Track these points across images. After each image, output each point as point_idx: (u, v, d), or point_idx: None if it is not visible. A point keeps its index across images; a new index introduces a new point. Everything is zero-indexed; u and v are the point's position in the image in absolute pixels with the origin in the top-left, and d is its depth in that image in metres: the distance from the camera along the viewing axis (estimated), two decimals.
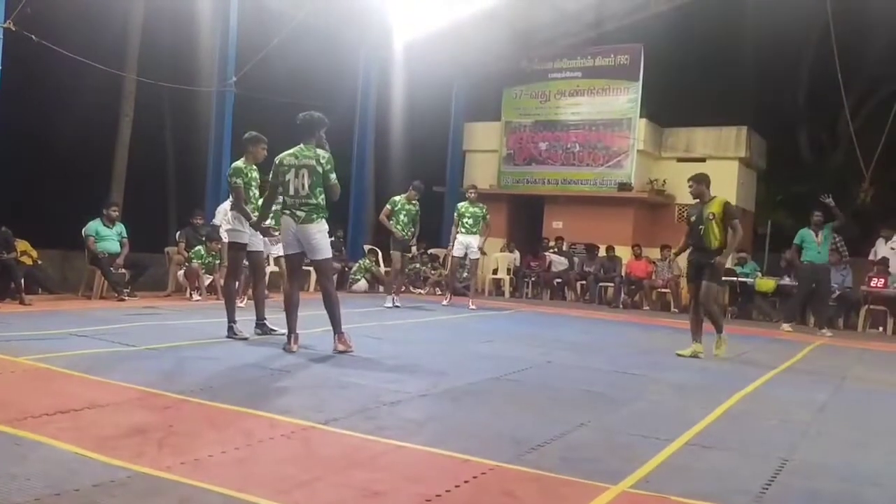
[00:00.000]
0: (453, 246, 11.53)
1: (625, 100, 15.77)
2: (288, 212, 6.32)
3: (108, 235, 10.04)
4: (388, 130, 16.13)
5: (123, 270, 10.16)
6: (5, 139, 9.38)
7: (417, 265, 14.45)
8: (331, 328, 6.40)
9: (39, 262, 10.18)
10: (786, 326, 11.24)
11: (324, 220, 6.37)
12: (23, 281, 8.98)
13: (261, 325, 7.18)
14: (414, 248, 11.91)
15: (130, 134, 12.83)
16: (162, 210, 16.60)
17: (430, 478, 3.23)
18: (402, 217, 10.87)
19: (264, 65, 12.16)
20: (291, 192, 6.26)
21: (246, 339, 6.82)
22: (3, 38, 8.97)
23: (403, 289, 12.26)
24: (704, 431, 4.39)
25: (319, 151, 6.29)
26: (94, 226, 10.00)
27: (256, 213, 6.93)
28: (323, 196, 6.31)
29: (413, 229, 11.03)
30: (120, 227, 10.30)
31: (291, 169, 6.25)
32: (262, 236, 7.16)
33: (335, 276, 13.72)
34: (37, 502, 2.64)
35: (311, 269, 12.71)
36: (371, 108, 15.32)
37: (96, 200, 10.55)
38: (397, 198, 10.98)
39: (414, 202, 10.96)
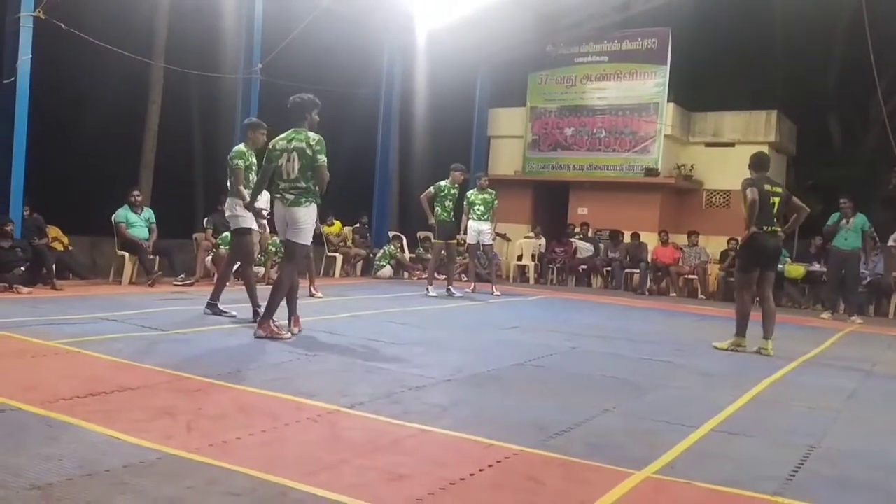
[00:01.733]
0: (466, 234, 11.49)
1: (652, 84, 15.58)
2: (279, 195, 6.29)
3: (136, 222, 10.16)
4: (413, 116, 16.09)
5: (153, 256, 10.28)
6: (36, 127, 9.51)
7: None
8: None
9: (70, 248, 10.34)
10: (825, 315, 11.19)
11: (313, 205, 6.26)
12: (54, 266, 9.13)
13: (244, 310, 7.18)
14: (460, 236, 11.68)
15: (158, 121, 12.95)
16: (189, 196, 16.73)
17: (453, 462, 3.24)
18: (447, 203, 10.77)
19: (289, 51, 12.18)
20: (284, 176, 6.22)
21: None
22: (34, 27, 9.09)
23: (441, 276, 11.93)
24: (731, 418, 4.36)
25: (310, 134, 6.21)
26: (122, 213, 10.12)
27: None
28: (314, 181, 6.20)
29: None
30: (148, 213, 10.42)
31: (283, 153, 6.21)
32: (254, 215, 7.14)
33: (359, 263, 13.99)
34: (69, 482, 2.70)
35: (336, 255, 13.07)
36: (395, 94, 15.29)
37: (125, 187, 10.67)
38: (442, 183, 10.82)
39: (457, 186, 10.93)
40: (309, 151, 6.13)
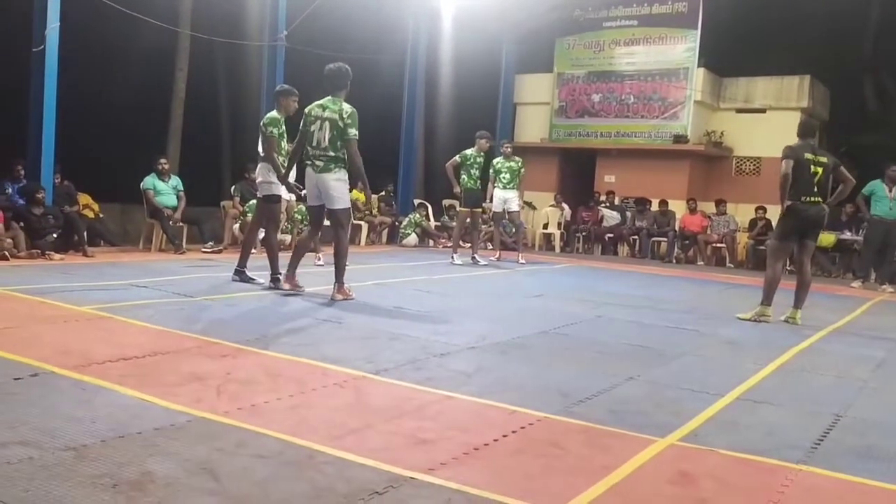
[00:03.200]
0: (493, 202, 11.46)
1: (682, 49, 15.29)
2: (309, 162, 6.47)
3: (164, 190, 10.24)
4: (438, 83, 15.96)
5: (181, 224, 10.38)
6: (66, 96, 9.60)
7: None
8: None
9: (101, 215, 10.48)
10: (856, 284, 11.07)
11: (343, 171, 6.45)
12: (85, 233, 9.27)
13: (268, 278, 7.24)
14: (486, 204, 11.67)
15: (185, 89, 13.00)
16: (217, 164, 16.84)
17: (477, 427, 3.28)
18: (473, 171, 10.76)
19: (314, 19, 12.13)
20: (314, 143, 6.40)
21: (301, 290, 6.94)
22: None
23: (480, 245, 11.91)
24: (756, 387, 4.34)
25: (345, 106, 6.34)
26: (150, 180, 10.21)
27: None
28: (343, 150, 6.36)
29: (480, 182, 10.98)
30: (175, 181, 10.49)
31: (317, 121, 6.37)
32: (287, 190, 7.30)
33: (385, 231, 14.03)
34: (102, 444, 2.77)
35: (361, 223, 13.10)
36: (420, 60, 15.17)
37: (154, 155, 10.76)
38: (468, 151, 10.81)
39: (482, 154, 10.89)
40: (340, 123, 6.29)
